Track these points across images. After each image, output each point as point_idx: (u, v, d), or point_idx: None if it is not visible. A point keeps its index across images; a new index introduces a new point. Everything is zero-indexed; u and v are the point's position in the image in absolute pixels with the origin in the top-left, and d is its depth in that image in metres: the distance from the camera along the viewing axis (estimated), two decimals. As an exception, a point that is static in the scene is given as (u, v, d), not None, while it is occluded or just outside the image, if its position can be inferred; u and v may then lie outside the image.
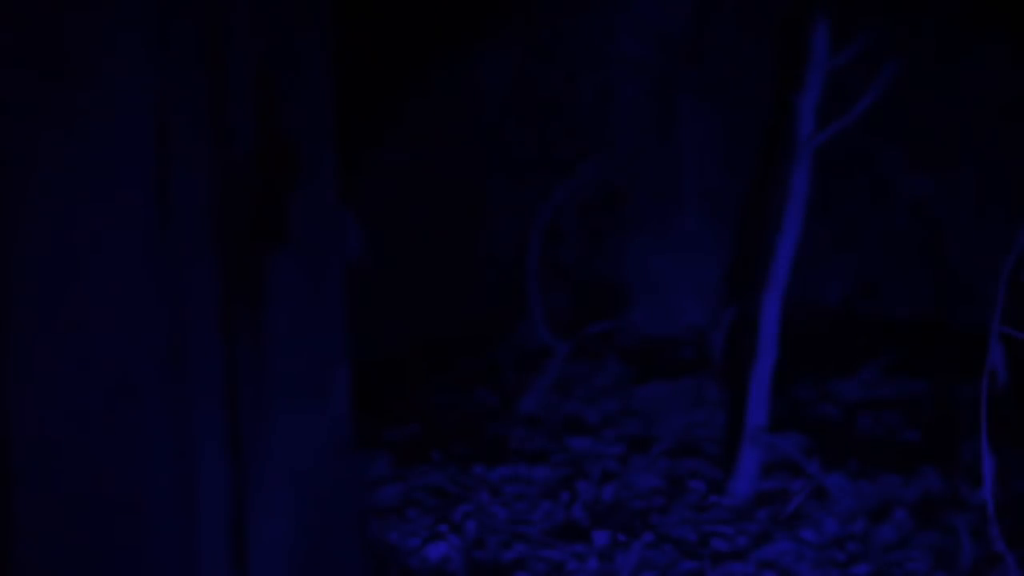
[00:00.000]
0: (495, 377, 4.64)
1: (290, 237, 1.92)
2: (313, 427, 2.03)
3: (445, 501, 3.62)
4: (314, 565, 2.04)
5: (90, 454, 1.79)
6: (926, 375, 4.52)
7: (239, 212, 1.85)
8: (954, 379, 4.37)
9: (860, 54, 3.48)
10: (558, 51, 5.11)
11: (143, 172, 1.76)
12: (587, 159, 5.07)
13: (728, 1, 5.06)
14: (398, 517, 3.51)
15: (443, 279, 5.03)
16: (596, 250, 5.21)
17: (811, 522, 3.46)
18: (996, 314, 3.06)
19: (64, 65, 1.72)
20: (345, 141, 2.15)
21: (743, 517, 3.52)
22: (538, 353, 4.66)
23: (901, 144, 5.02)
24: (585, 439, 4.09)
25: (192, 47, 1.79)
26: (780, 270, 3.56)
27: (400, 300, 4.81)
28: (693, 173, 5.14)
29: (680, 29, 5.06)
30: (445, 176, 5.06)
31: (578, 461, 3.91)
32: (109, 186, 1.76)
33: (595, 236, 5.20)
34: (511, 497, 3.66)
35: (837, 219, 5.07)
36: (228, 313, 1.85)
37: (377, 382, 4.37)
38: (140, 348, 1.78)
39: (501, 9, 5.03)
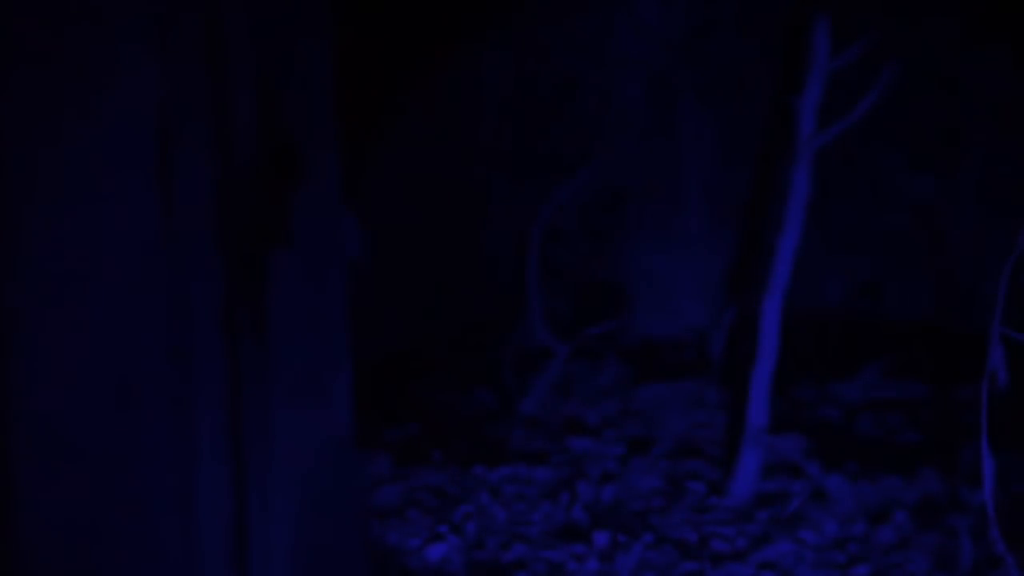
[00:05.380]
0: (495, 378, 4.64)
1: (292, 238, 1.92)
2: (315, 427, 2.03)
3: (445, 502, 3.62)
4: (315, 565, 2.04)
5: (92, 454, 1.79)
6: (926, 377, 4.52)
7: (241, 213, 1.85)
8: (954, 381, 4.37)
9: (860, 56, 3.48)
10: (558, 52, 5.11)
11: (145, 173, 1.76)
12: (588, 159, 5.07)
13: (728, 3, 5.06)
14: (398, 518, 3.51)
15: (443, 279, 5.03)
16: (596, 250, 5.21)
17: (811, 523, 3.46)
18: (996, 316, 3.06)
19: (66, 68, 1.72)
20: (346, 142, 2.15)
21: (743, 518, 3.52)
22: (538, 354, 4.66)
23: (901, 146, 5.02)
24: (585, 440, 4.09)
25: (194, 49, 1.80)
26: (781, 271, 3.56)
27: (400, 300, 4.81)
28: (693, 173, 5.14)
29: (680, 30, 5.06)
30: (446, 176, 5.07)
31: (578, 462, 3.91)
32: (111, 187, 1.76)
33: (595, 236, 5.20)
34: (511, 498, 3.66)
35: (837, 220, 5.07)
36: (230, 313, 1.85)
37: (377, 382, 4.37)
38: (143, 348, 1.78)
39: (502, 10, 5.03)
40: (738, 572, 3.22)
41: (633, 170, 5.14)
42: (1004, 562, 3.05)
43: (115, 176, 1.76)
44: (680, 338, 5.07)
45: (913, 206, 5.07)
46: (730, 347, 4.62)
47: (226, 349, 1.85)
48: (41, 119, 1.73)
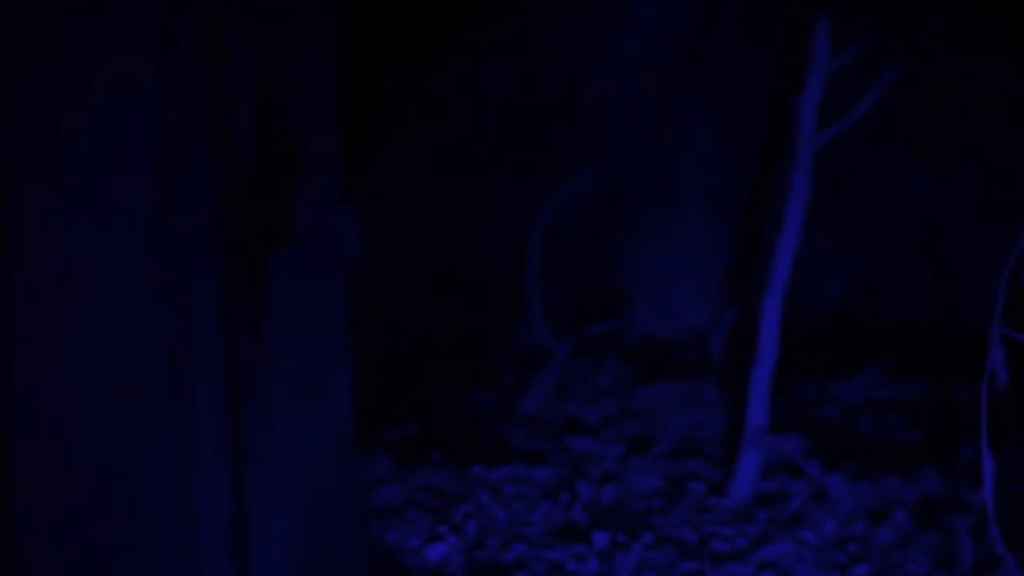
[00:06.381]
0: (495, 378, 4.64)
1: (292, 237, 1.92)
2: (314, 427, 2.03)
3: (445, 502, 3.62)
4: (315, 565, 2.04)
5: (92, 454, 1.79)
6: (926, 377, 4.52)
7: (241, 212, 1.85)
8: (954, 381, 4.38)
9: (861, 56, 3.48)
10: (559, 52, 5.11)
11: (145, 172, 1.76)
12: (588, 160, 5.07)
13: (728, 2, 5.06)
14: (398, 518, 3.51)
15: (443, 279, 5.03)
16: (596, 251, 5.21)
17: (811, 523, 3.46)
18: (996, 316, 3.06)
19: (67, 69, 1.72)
20: (347, 141, 2.15)
21: (743, 518, 3.52)
22: (538, 354, 4.66)
23: (902, 146, 5.02)
24: (585, 440, 4.09)
25: (193, 48, 1.79)
26: (781, 271, 3.56)
27: (400, 300, 4.81)
28: (693, 174, 5.14)
29: (680, 30, 5.06)
30: (446, 177, 5.07)
31: (578, 462, 3.91)
32: (111, 186, 1.76)
33: (595, 237, 5.20)
34: (511, 498, 3.66)
35: (838, 220, 5.07)
36: (230, 313, 1.85)
37: (377, 382, 4.37)
38: (142, 348, 1.78)
39: (502, 11, 5.03)
40: (738, 572, 3.22)
41: (633, 170, 5.14)
42: (1004, 562, 3.05)
43: (116, 177, 1.76)
44: (680, 338, 5.07)
45: (913, 206, 5.07)
46: (730, 347, 4.62)
47: (226, 349, 1.85)
48: (41, 120, 1.73)
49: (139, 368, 1.79)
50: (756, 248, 4.98)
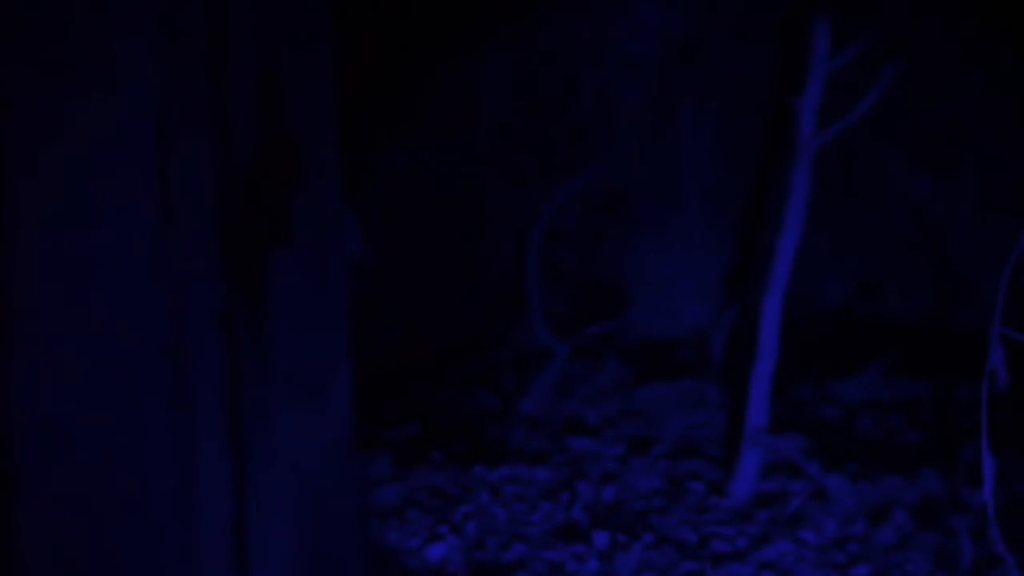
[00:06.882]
0: (495, 378, 4.64)
1: (292, 237, 1.92)
2: (314, 427, 2.03)
3: (445, 502, 3.62)
4: (315, 565, 2.04)
5: (91, 454, 1.79)
6: (926, 376, 4.52)
7: (241, 212, 1.85)
8: (954, 380, 4.38)
9: (861, 55, 3.48)
10: (558, 52, 5.11)
11: (145, 172, 1.76)
12: (588, 160, 5.07)
13: (728, 2, 5.06)
14: (398, 518, 3.51)
15: (443, 280, 5.03)
16: (596, 251, 5.21)
17: (811, 523, 3.46)
18: (996, 315, 3.05)
19: (66, 65, 1.72)
20: (347, 142, 2.15)
21: (743, 518, 3.52)
22: (538, 354, 4.66)
23: (902, 145, 5.02)
24: (585, 440, 4.09)
25: (194, 47, 1.79)
26: (780, 271, 3.56)
27: (400, 300, 4.81)
28: (693, 174, 5.14)
29: (680, 30, 5.06)
30: (445, 176, 5.07)
31: (578, 462, 3.91)
32: (111, 185, 1.76)
33: (595, 237, 5.20)
34: (511, 498, 3.66)
35: (837, 220, 5.07)
36: (230, 313, 1.85)
37: (377, 382, 4.37)
38: (143, 349, 1.78)
39: (501, 11, 5.03)
40: (738, 572, 3.22)
41: (633, 170, 5.14)
42: (1004, 562, 3.05)
43: (115, 176, 1.76)
44: (680, 338, 5.07)
45: (913, 206, 5.07)
46: (730, 347, 4.62)
47: (226, 349, 1.85)
48: (41, 119, 1.73)
49: (139, 368, 1.79)
50: (756, 248, 4.98)
